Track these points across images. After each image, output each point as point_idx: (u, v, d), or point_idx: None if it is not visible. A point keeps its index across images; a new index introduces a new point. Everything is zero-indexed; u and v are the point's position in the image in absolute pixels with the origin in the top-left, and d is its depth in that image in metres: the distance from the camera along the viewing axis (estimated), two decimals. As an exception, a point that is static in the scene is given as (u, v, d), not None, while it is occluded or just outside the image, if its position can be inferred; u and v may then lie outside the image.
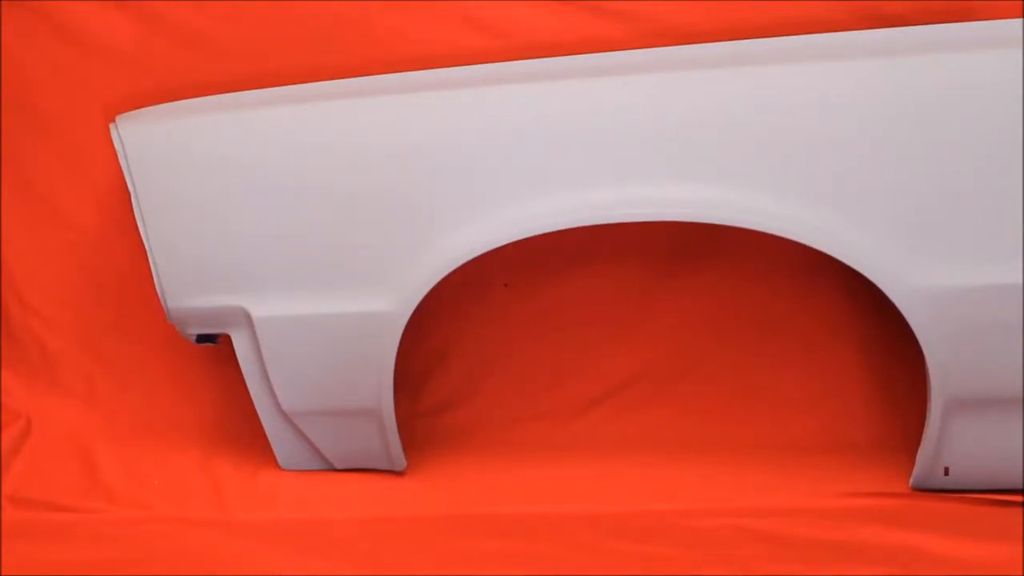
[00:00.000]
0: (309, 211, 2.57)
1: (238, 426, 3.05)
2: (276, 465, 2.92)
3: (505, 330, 3.12)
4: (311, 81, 2.71)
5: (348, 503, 2.78)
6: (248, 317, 2.67)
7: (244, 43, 2.87)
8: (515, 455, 2.95)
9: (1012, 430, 2.49)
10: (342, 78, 2.72)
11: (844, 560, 2.29)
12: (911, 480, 2.60)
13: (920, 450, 2.55)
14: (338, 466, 2.88)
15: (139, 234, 2.69)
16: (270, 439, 2.88)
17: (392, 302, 2.57)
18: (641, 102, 2.43)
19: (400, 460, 2.82)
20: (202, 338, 2.85)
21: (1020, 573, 2.18)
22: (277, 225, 2.59)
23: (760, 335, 3.01)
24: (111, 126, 2.67)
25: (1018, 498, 2.50)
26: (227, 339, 2.79)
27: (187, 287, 2.70)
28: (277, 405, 2.78)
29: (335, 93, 2.62)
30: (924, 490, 2.60)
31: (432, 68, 2.67)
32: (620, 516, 2.60)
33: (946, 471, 2.56)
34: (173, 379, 3.20)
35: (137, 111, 2.75)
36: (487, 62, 2.70)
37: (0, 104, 3.04)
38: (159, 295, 2.73)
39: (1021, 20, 2.38)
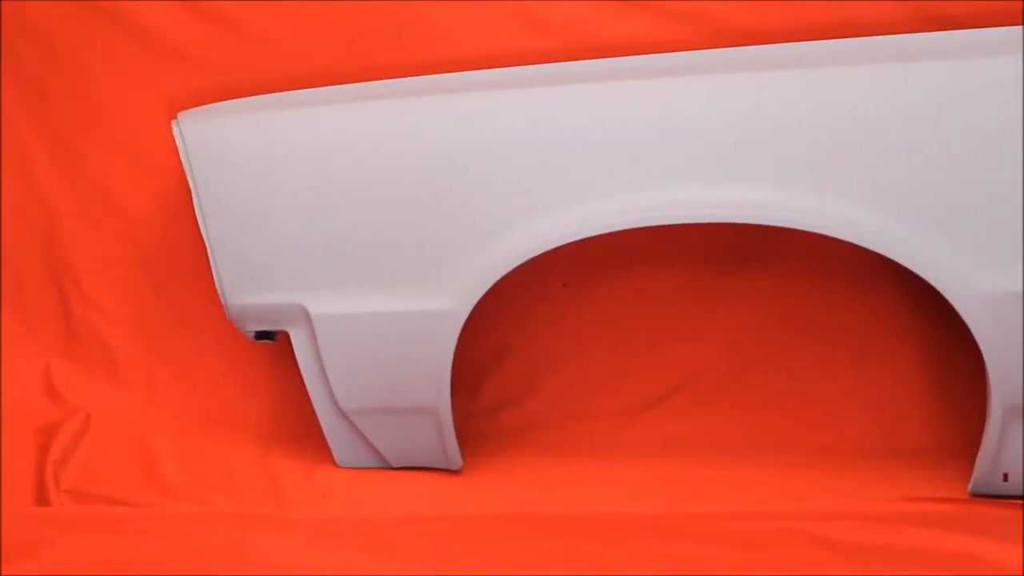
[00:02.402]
0: (368, 209, 2.57)
1: (295, 423, 3.07)
2: (332, 462, 2.94)
3: (563, 330, 3.12)
4: (371, 80, 2.72)
5: (404, 501, 2.78)
6: (306, 314, 2.68)
7: (305, 42, 2.89)
8: (571, 455, 2.95)
9: (1073, 437, 2.47)
10: (403, 77, 2.73)
11: (899, 565, 2.27)
12: (969, 486, 2.59)
13: (979, 455, 2.54)
14: (394, 464, 2.89)
15: (199, 231, 2.70)
16: (327, 436, 2.89)
17: (450, 301, 2.58)
18: (698, 103, 2.42)
19: (456, 459, 2.83)
20: (261, 335, 2.87)
21: (1076, 580, 2.17)
22: (336, 223, 2.60)
23: (817, 337, 3.00)
24: (172, 123, 2.68)
25: (1078, 505, 2.48)
26: (285, 336, 2.80)
27: (246, 284, 2.72)
28: (334, 402, 2.79)
29: (395, 92, 2.63)
30: (982, 496, 2.58)
31: (492, 67, 2.67)
32: (675, 517, 2.58)
33: (1005, 477, 2.54)
34: (232, 375, 3.22)
35: (198, 108, 2.77)
36: (546, 62, 2.71)
37: (62, 101, 3.07)
38: (219, 291, 2.75)
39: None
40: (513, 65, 2.68)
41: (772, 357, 3.03)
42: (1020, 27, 2.43)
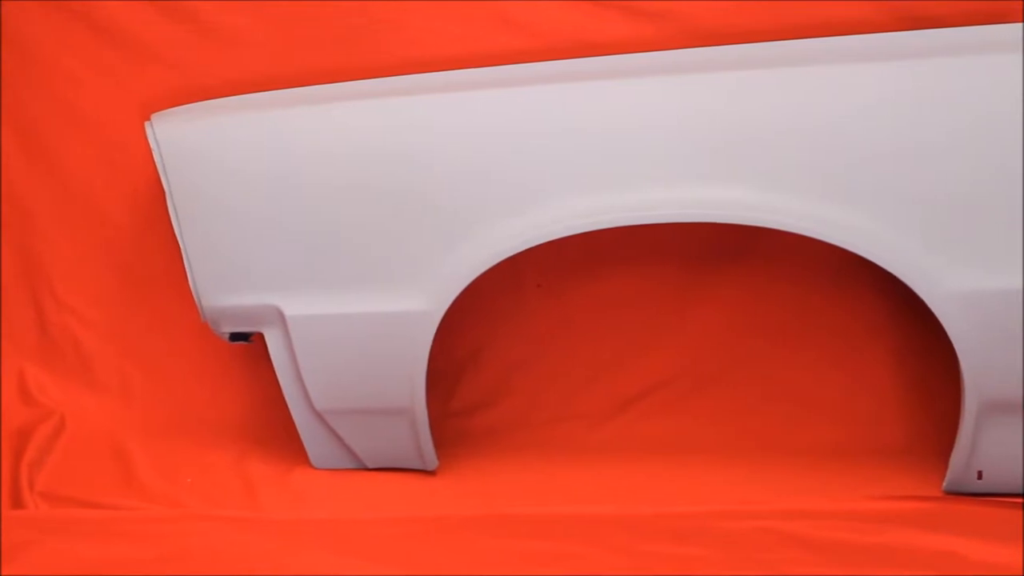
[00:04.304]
0: (342, 210, 2.57)
1: (271, 425, 3.06)
2: (308, 464, 2.94)
3: (538, 330, 3.12)
4: (346, 80, 2.72)
5: (380, 502, 2.79)
6: (281, 316, 2.68)
7: (279, 42, 2.88)
8: (547, 455, 2.96)
9: (1046, 434, 2.48)
10: (377, 77, 2.73)
11: (876, 563, 2.28)
12: (944, 484, 2.60)
13: (953, 453, 2.55)
14: (370, 465, 2.89)
15: (173, 233, 2.70)
16: (302, 438, 2.89)
17: (425, 302, 2.58)
18: (674, 103, 2.43)
19: (432, 460, 2.83)
20: (236, 336, 2.86)
21: (1053, 577, 2.18)
22: (310, 224, 2.60)
23: (793, 337, 3.00)
24: (146, 125, 2.68)
25: (1052, 502, 2.49)
26: (260, 337, 2.80)
27: (221, 285, 2.72)
28: (310, 404, 2.79)
29: (369, 92, 2.63)
30: (957, 494, 2.59)
31: (466, 68, 2.68)
32: (652, 517, 2.59)
33: (979, 475, 2.55)
34: (207, 377, 3.22)
35: (172, 110, 2.76)
36: (520, 62, 2.71)
37: (35, 102, 3.07)
38: (193, 293, 2.74)
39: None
40: (488, 65, 2.69)
41: (747, 357, 3.04)
42: (988, 27, 2.45)
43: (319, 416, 2.81)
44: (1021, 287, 2.33)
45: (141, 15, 2.93)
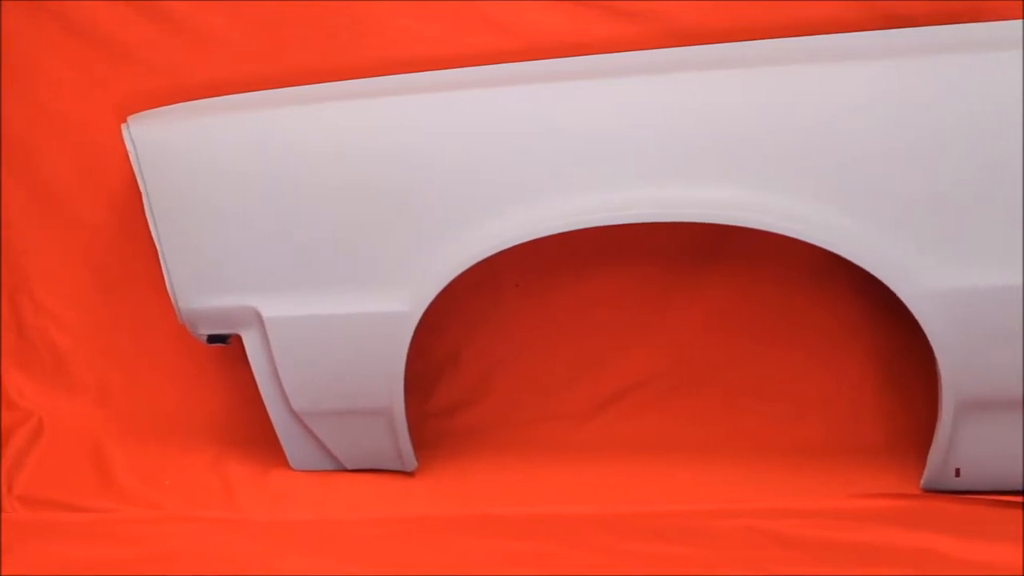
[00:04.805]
0: (320, 211, 2.57)
1: (249, 426, 3.06)
2: (287, 465, 2.93)
3: (517, 331, 3.12)
4: (325, 81, 2.72)
5: (358, 503, 2.79)
6: (259, 317, 2.67)
7: (257, 43, 2.87)
8: (526, 456, 2.96)
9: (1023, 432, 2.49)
10: (357, 78, 2.72)
11: (855, 561, 2.29)
12: (922, 481, 2.61)
13: (931, 451, 2.56)
14: (348, 466, 2.89)
15: (150, 235, 2.69)
16: (281, 439, 2.89)
17: (403, 302, 2.57)
18: (653, 103, 2.43)
19: (411, 460, 2.83)
20: (213, 338, 2.86)
21: (1030, 574, 2.19)
22: (288, 225, 2.59)
23: (772, 337, 3.01)
24: (122, 127, 2.67)
25: (1029, 499, 2.50)
26: (238, 339, 2.80)
27: (198, 287, 2.71)
28: (288, 405, 2.78)
29: (347, 93, 2.63)
30: (935, 491, 2.60)
31: (446, 68, 2.67)
32: (632, 517, 2.60)
33: (957, 472, 2.56)
34: (184, 379, 3.20)
35: (148, 111, 2.76)
36: (501, 62, 2.71)
37: (10, 103, 3.05)
38: (170, 295, 2.73)
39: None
40: (470, 65, 2.68)
41: (726, 357, 3.04)
42: (969, 25, 2.47)
43: (297, 417, 2.80)
44: (998, 286, 2.34)
45: (118, 16, 2.92)
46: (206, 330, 2.81)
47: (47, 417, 3.16)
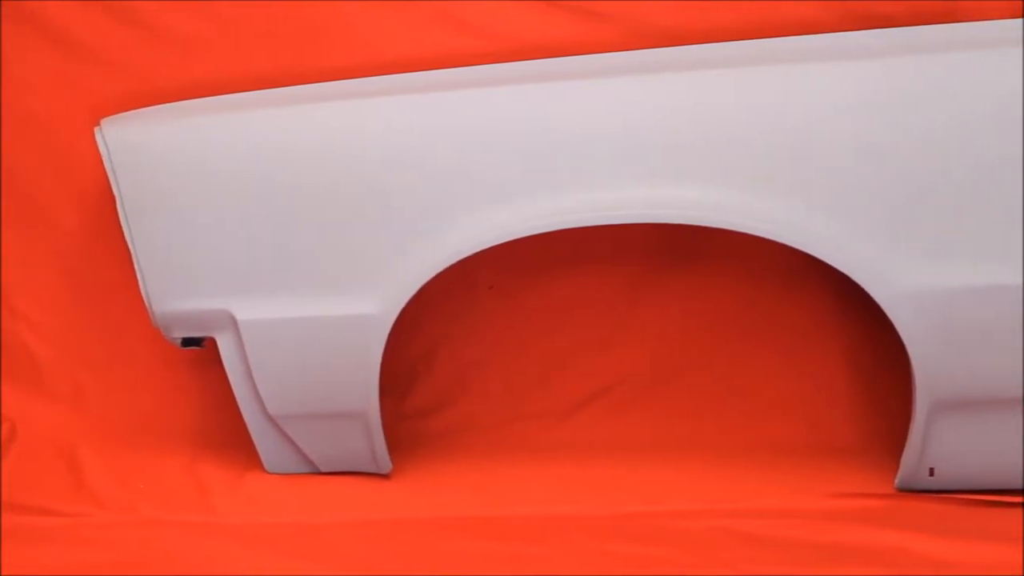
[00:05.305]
0: (294, 214, 2.56)
1: (224, 430, 3.04)
2: (262, 468, 2.92)
3: (491, 332, 3.13)
4: (297, 84, 2.71)
5: (334, 506, 2.78)
6: (233, 320, 2.67)
7: (229, 46, 2.87)
8: (502, 457, 2.95)
9: (996, 431, 2.49)
10: (329, 80, 2.72)
11: (830, 561, 2.29)
12: (896, 481, 2.61)
13: (905, 451, 2.56)
14: (324, 469, 2.88)
15: (124, 238, 2.68)
16: (255, 442, 2.88)
17: (378, 304, 2.57)
18: (625, 104, 2.43)
19: (386, 463, 2.82)
20: (187, 341, 2.84)
21: (1004, 572, 2.19)
22: (262, 228, 2.58)
23: (747, 337, 3.02)
24: (96, 130, 2.66)
25: (1003, 498, 2.51)
26: (212, 342, 2.79)
27: (172, 291, 2.70)
28: (262, 408, 2.77)
29: (319, 96, 2.62)
30: (909, 491, 2.61)
31: (419, 70, 2.67)
32: (607, 518, 2.60)
33: (931, 472, 2.56)
34: (159, 383, 3.19)
35: (121, 114, 2.74)
36: (474, 64, 2.70)
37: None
38: (144, 299, 2.72)
39: (992, 22, 2.41)
40: (439, 68, 2.68)
41: (701, 357, 3.05)
42: (943, 26, 2.48)
43: (272, 421, 2.80)
44: (971, 286, 2.35)
45: (90, 19, 2.91)
46: (180, 333, 2.80)
47: (20, 421, 3.14)
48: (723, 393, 3.02)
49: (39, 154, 3.04)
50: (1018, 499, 2.51)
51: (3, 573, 2.45)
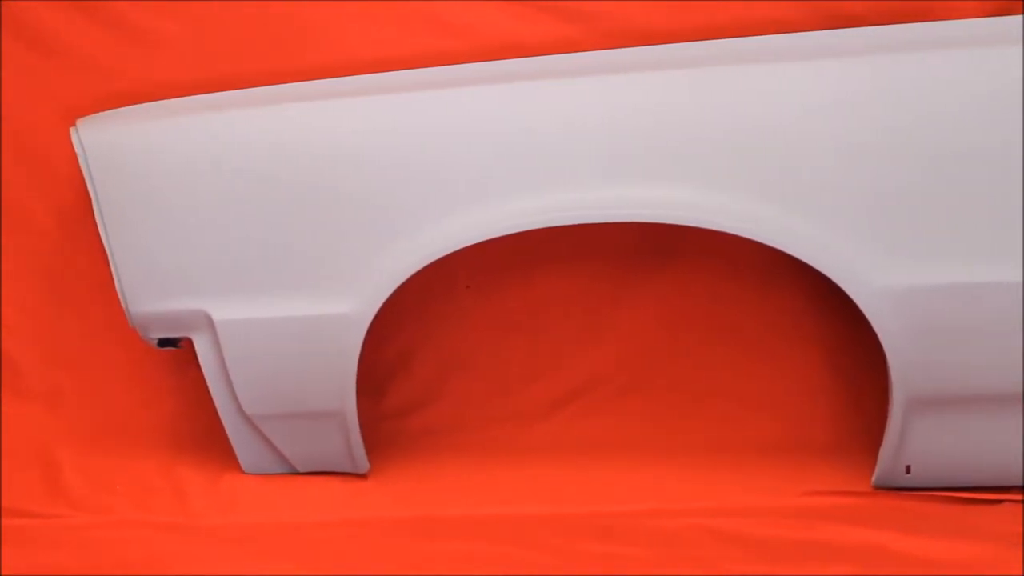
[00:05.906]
0: (270, 214, 2.56)
1: (201, 430, 3.03)
2: (239, 469, 2.91)
3: (468, 332, 3.12)
4: (274, 84, 2.71)
5: (311, 506, 2.77)
6: (210, 321, 2.66)
7: (206, 47, 2.86)
8: (479, 457, 2.95)
9: (973, 428, 2.50)
10: (305, 80, 2.72)
11: (807, 559, 2.30)
12: (873, 479, 2.62)
13: (881, 449, 2.57)
14: (301, 469, 2.88)
15: (100, 239, 2.67)
16: (232, 443, 2.87)
17: (355, 304, 2.57)
18: (601, 103, 2.43)
19: (363, 463, 2.82)
20: (164, 342, 2.84)
21: (979, 571, 2.20)
22: (238, 228, 2.58)
23: (723, 335, 3.02)
24: (71, 130, 2.65)
25: (979, 496, 2.52)
26: (189, 343, 2.78)
27: (148, 291, 2.69)
28: (239, 408, 2.77)
29: (294, 96, 2.61)
30: (886, 489, 2.62)
31: (395, 70, 2.67)
32: (585, 517, 2.60)
33: (908, 469, 2.57)
34: (135, 384, 3.18)
35: (97, 115, 2.74)
36: (450, 64, 2.70)
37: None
38: (120, 300, 2.72)
39: (973, 20, 2.42)
40: (419, 67, 2.68)
41: (677, 356, 3.05)
42: (916, 25, 2.49)
43: (249, 421, 2.79)
44: (948, 284, 2.35)
45: (65, 19, 2.90)
46: (157, 334, 2.79)
47: (-5, 423, 3.14)
48: (700, 392, 3.02)
49: (14, 155, 3.03)
50: (994, 496, 2.52)
51: (-20, 573, 2.45)
